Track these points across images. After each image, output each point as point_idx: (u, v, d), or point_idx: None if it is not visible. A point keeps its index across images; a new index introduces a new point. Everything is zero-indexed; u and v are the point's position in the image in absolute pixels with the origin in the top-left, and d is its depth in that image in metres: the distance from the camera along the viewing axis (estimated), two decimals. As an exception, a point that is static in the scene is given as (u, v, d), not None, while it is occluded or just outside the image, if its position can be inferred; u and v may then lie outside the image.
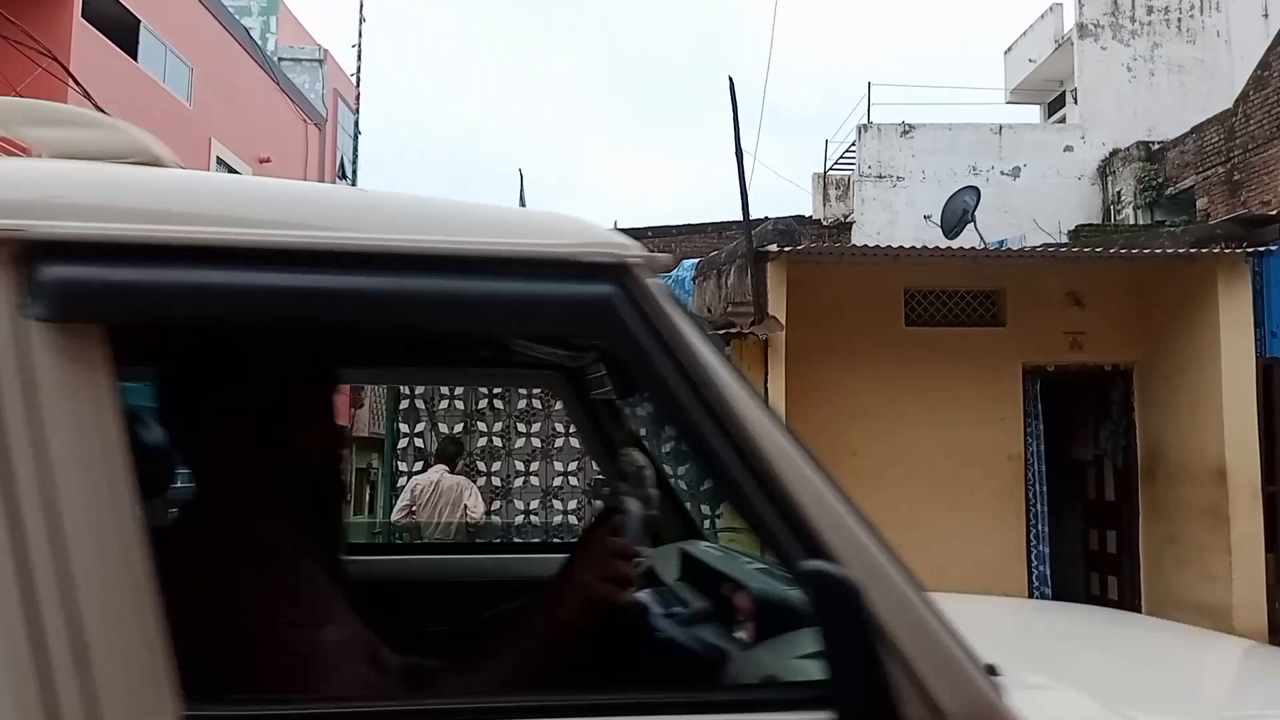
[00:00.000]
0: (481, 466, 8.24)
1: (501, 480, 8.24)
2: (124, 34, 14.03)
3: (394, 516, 7.78)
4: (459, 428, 8.26)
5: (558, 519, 8.16)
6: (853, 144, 19.20)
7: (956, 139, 18.44)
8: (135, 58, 14.49)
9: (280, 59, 21.22)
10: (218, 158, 17.00)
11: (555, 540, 8.15)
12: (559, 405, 8.29)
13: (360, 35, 24.07)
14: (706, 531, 3.18)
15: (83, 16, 13.08)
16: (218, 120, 16.93)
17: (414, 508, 7.64)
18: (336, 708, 1.21)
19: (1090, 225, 16.57)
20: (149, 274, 1.09)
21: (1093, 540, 10.06)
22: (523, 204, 17.36)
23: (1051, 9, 20.53)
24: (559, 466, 8.23)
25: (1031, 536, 9.15)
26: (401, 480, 8.14)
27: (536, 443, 8.27)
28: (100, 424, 1.08)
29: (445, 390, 8.34)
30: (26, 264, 1.07)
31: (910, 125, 18.48)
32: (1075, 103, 19.41)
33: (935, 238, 12.56)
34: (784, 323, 8.10)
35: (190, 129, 15.85)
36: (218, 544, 1.39)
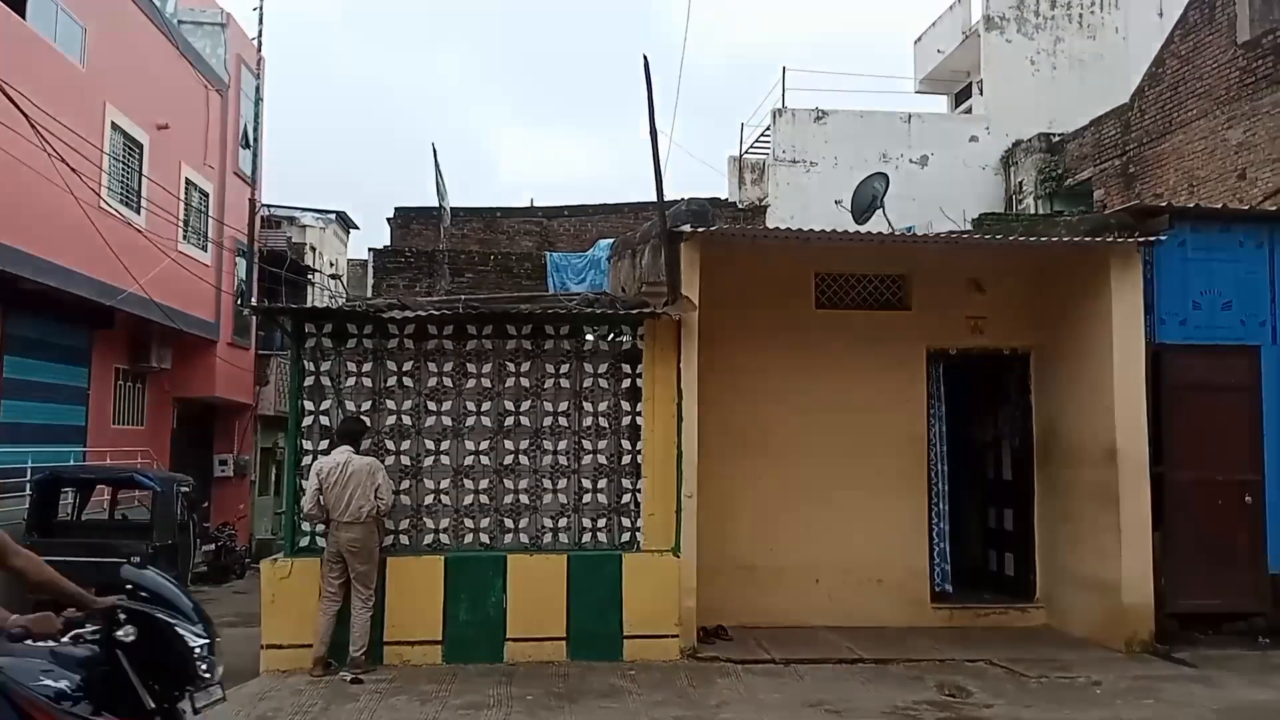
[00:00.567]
0: (390, 445, 8.06)
1: (411, 459, 8.08)
2: (9, -12, 13.22)
3: (306, 508, 7.51)
4: (367, 405, 8.06)
5: (468, 499, 8.05)
6: (768, 128, 19.35)
7: (868, 126, 18.77)
8: (24, 15, 13.66)
9: (180, 21, 20.25)
10: (113, 123, 16.17)
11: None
12: (470, 384, 8.18)
13: (264, -1, 23.22)
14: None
15: (-38, -33, 12.29)
16: (113, 84, 16.09)
17: (321, 492, 7.39)
18: None
19: (993, 214, 17.09)
20: None
21: (991, 518, 10.40)
22: (439, 178, 17.04)
23: (959, 1, 20.97)
24: (470, 445, 8.10)
25: (933, 515, 9.41)
26: (306, 459, 7.91)
27: (448, 421, 8.13)
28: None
29: (351, 367, 8.13)
30: None
31: (824, 111, 18.72)
32: (981, 94, 19.92)
33: (846, 222, 12.76)
34: (697, 303, 8.13)
35: (84, 93, 15.05)
36: None
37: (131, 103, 16.91)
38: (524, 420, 8.22)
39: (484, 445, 8.17)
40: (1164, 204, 9.83)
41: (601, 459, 8.22)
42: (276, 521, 23.21)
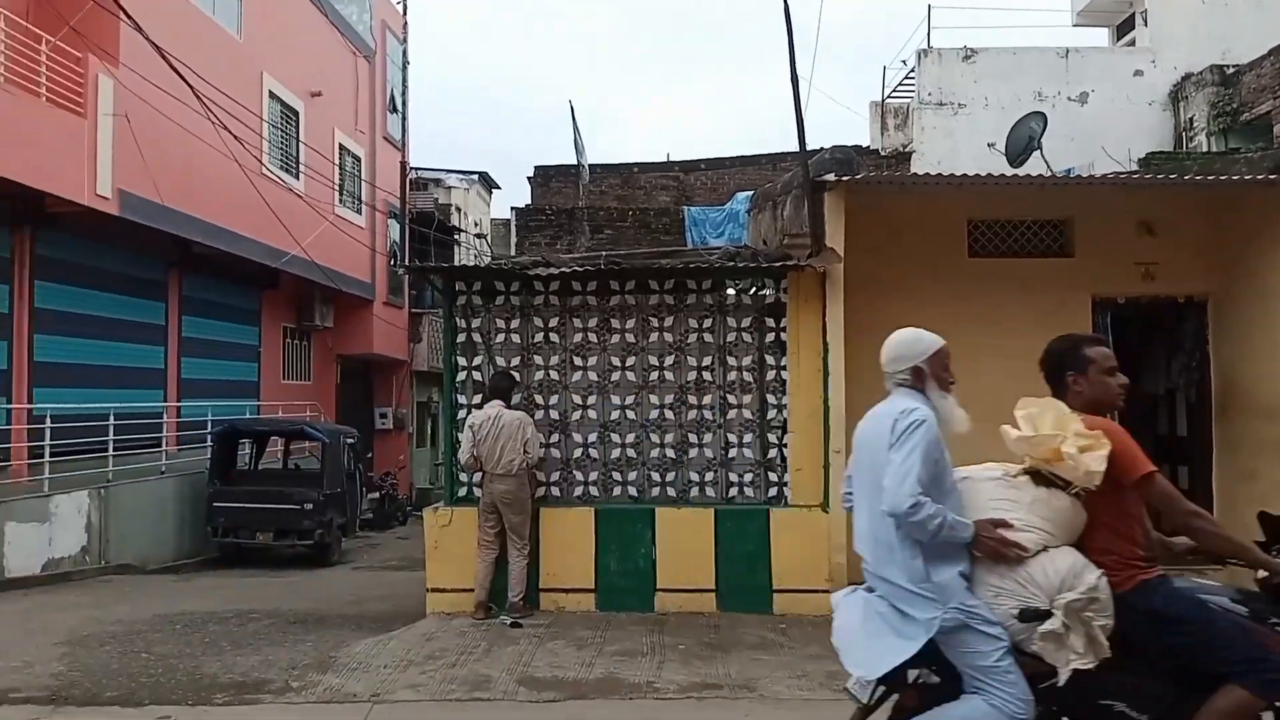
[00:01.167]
0: (539, 400, 8.27)
1: (559, 414, 8.27)
2: (174, -32, 13.97)
3: (463, 459, 7.85)
4: (516, 361, 8.28)
5: (615, 453, 8.18)
6: (912, 70, 18.61)
7: (1021, 63, 17.78)
8: (184, -9, 14.44)
9: (328, -10, 21.05)
10: (270, 91, 16.99)
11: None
12: (614, 340, 8.28)
13: (408, -36, 23.76)
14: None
15: (134, -49, 13.03)
16: (269, 54, 16.89)
17: (475, 445, 7.69)
18: None
19: (1161, 152, 15.98)
20: None
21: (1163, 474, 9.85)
22: (577, 135, 17.16)
23: (1123, -77, 19.50)
24: (616, 400, 8.22)
25: (1100, 473, 8.96)
26: (461, 413, 8.21)
27: (594, 376, 8.26)
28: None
29: (500, 323, 8.35)
30: None
31: (972, 50, 17.84)
32: (1145, 25, 18.54)
33: (998, 166, 12.17)
34: (842, 255, 7.94)
35: (241, 63, 15.85)
36: None
37: (286, 71, 17.70)
38: (668, 375, 8.27)
39: (629, 400, 8.27)
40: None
41: (747, 414, 8.20)
42: (434, 472, 24.29)
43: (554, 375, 8.33)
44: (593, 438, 8.27)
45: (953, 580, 3.23)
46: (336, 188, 19.53)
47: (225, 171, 14.37)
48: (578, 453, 8.27)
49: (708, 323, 8.28)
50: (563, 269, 8.31)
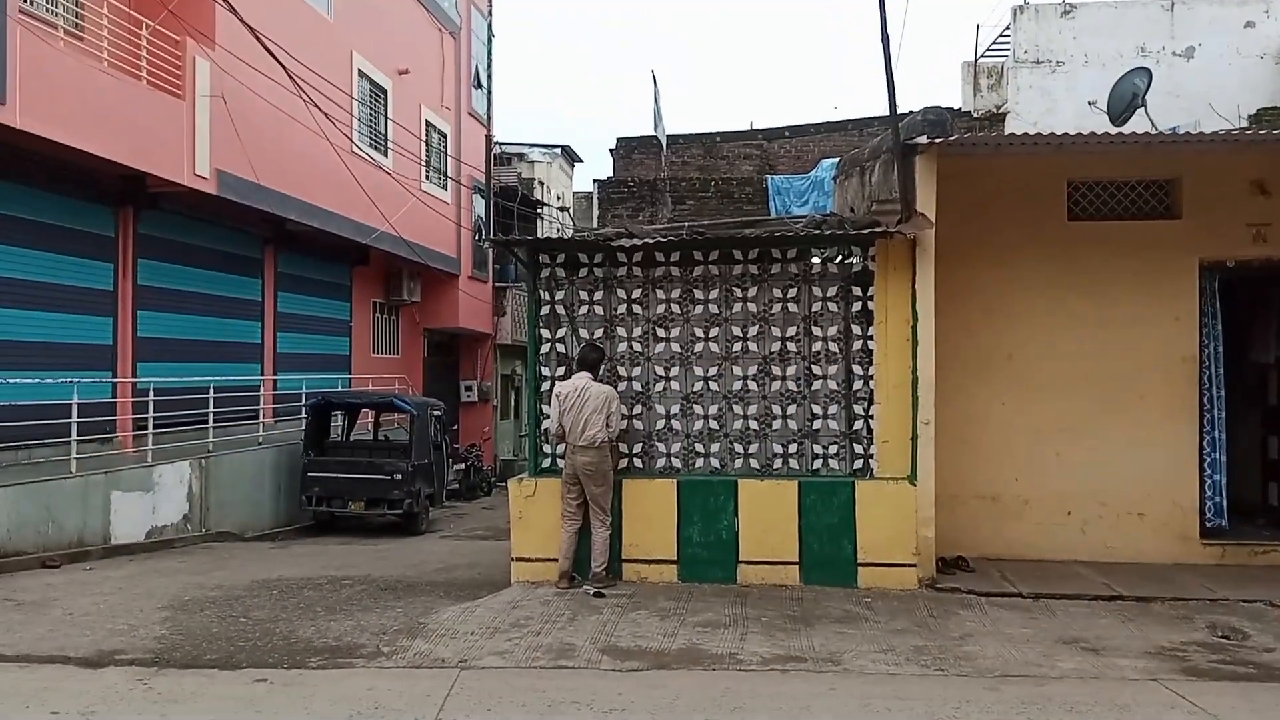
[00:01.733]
0: (622, 371, 8.24)
1: (642, 385, 8.23)
2: (264, -50, 14.24)
3: (551, 429, 7.90)
4: (599, 333, 8.26)
5: (698, 425, 8.12)
6: (1006, 28, 17.90)
7: (1123, 17, 16.92)
8: (276, -27, 14.72)
9: (413, -32, 21.23)
10: (359, 70, 17.26)
11: (697, 445, 8.11)
12: (697, 310, 8.19)
13: (490, -61, 23.80)
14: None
15: (226, -66, 13.32)
16: (357, 33, 17.14)
17: (560, 415, 7.73)
18: None
19: (1274, 108, 15.09)
20: None
21: (1272, 448, 9.37)
22: (657, 107, 17.02)
23: None
24: (699, 372, 8.14)
25: (1205, 444, 8.57)
26: (546, 385, 8.25)
27: (676, 348, 8.19)
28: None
29: (584, 295, 8.33)
30: None
31: (1071, 4, 17.04)
32: (1260, -29, 17.44)
33: (1098, 125, 11.65)
34: (933, 220, 7.68)
35: (332, 42, 16.13)
36: None
37: (374, 50, 17.95)
38: (752, 346, 8.16)
39: (712, 371, 8.18)
40: None
41: (832, 385, 8.04)
42: (518, 443, 24.63)
43: (636, 347, 8.29)
44: (675, 409, 8.21)
45: None
46: (423, 164, 19.79)
47: (317, 150, 14.67)
48: (660, 424, 8.23)
49: (792, 292, 8.12)
50: (646, 240, 8.24)
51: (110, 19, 11.57)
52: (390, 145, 18.20)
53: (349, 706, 4.92)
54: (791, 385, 8.09)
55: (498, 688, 5.26)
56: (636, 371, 8.29)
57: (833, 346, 8.05)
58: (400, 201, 17.87)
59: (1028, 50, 17.00)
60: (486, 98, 24.01)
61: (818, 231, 8.27)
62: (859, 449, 7.98)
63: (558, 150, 31.41)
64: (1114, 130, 10.72)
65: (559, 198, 30.79)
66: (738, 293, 8.19)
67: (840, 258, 8.10)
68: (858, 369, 8.00)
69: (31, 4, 10.86)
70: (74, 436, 10.69)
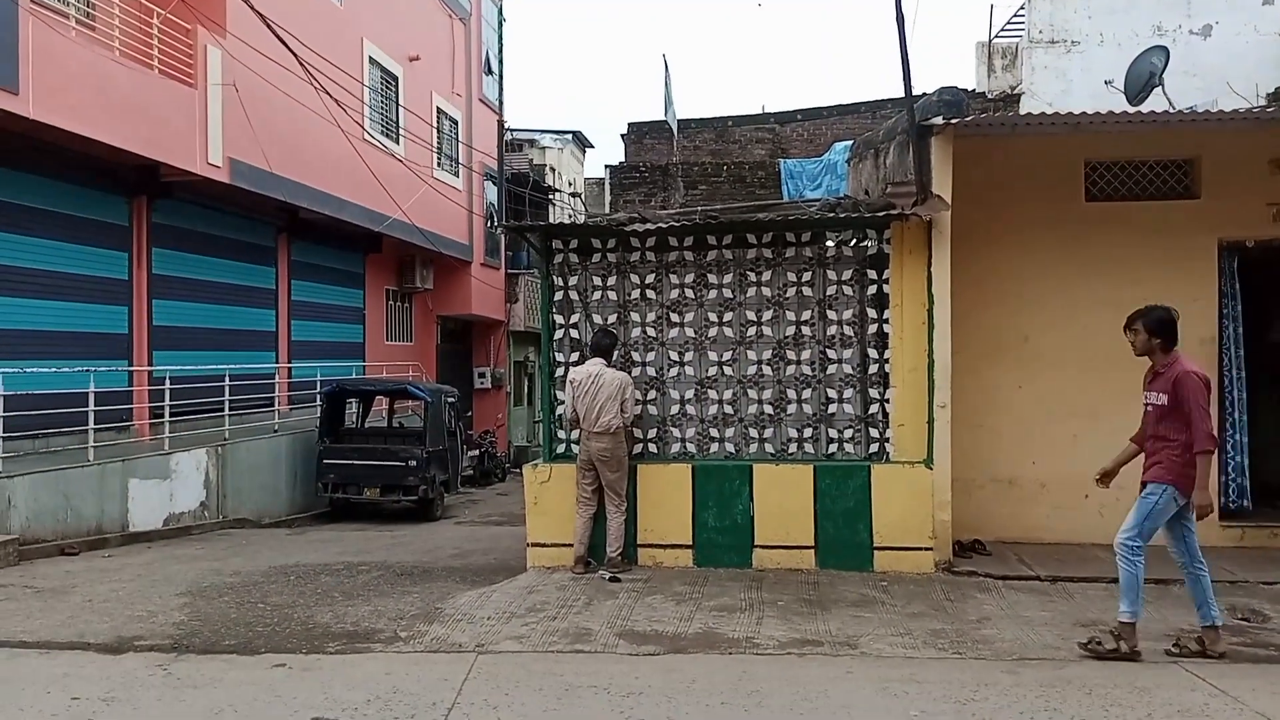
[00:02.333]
0: (635, 357, 8.23)
1: (656, 371, 8.22)
2: (274, -63, 14.20)
3: (566, 415, 7.90)
4: (613, 319, 8.24)
5: (712, 410, 8.09)
6: (1021, 8, 17.72)
7: (1140, -5, 16.72)
8: (286, -39, 14.69)
9: (423, -46, 21.15)
10: (370, 57, 17.24)
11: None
12: (711, 295, 8.15)
13: (499, -76, 23.67)
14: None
15: (235, -79, 13.29)
16: (368, 20, 17.12)
17: (574, 401, 7.72)
18: None
19: (1292, 87, 14.89)
20: None
21: (1293, 430, 9.28)
22: (668, 91, 16.93)
23: None
24: (713, 356, 8.12)
25: (1227, 425, 8.49)
26: (559, 371, 8.24)
27: (690, 333, 8.17)
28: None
29: (597, 281, 8.31)
30: None
31: (1087, -18, 16.85)
32: (1281, -55, 17.17)
33: (1115, 105, 11.50)
34: (949, 202, 7.62)
35: (342, 29, 16.11)
36: None
37: (385, 37, 17.91)
38: (766, 330, 8.12)
39: (727, 356, 8.15)
40: None
41: (847, 369, 8.00)
42: (532, 430, 24.67)
43: (650, 332, 8.27)
44: (689, 394, 8.19)
45: None
46: (435, 151, 19.77)
47: (329, 138, 14.67)
48: (674, 409, 8.21)
49: (807, 276, 8.08)
50: (659, 224, 8.21)
51: (121, 7, 11.57)
52: (402, 132, 18.19)
53: (367, 691, 4.95)
54: (806, 369, 8.06)
55: (515, 672, 5.27)
56: (650, 357, 8.27)
57: (848, 330, 8.01)
58: (412, 189, 17.87)
59: (1043, 30, 16.81)
60: (497, 84, 23.95)
61: (832, 215, 8.22)
62: (874, 433, 7.95)
63: (569, 136, 31.33)
64: (1131, 110, 10.59)
65: (570, 184, 30.73)
66: (752, 277, 8.15)
67: (855, 241, 8.04)
68: (873, 353, 7.96)
69: (43, -7, 10.87)
70: (91, 425, 10.76)
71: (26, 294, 10.95)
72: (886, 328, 7.93)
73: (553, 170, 29.43)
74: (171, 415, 12.30)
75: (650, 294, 8.27)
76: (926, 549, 7.58)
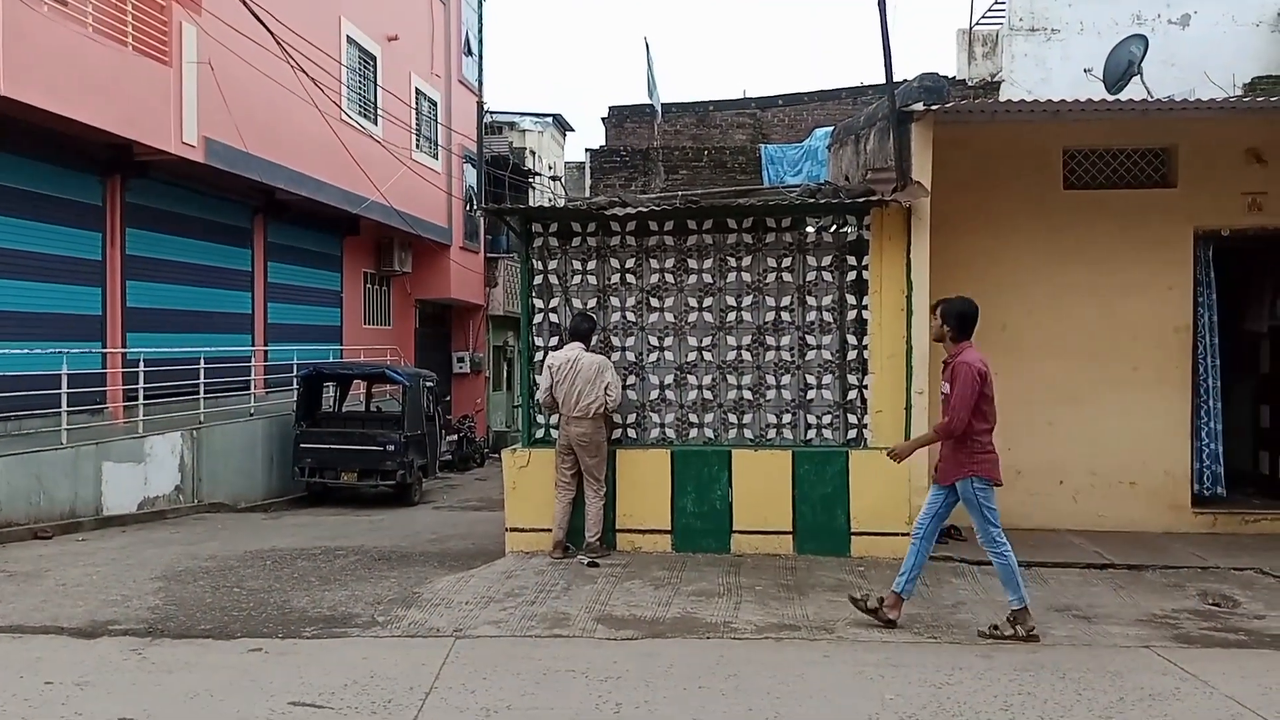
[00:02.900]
0: (615, 342, 8.21)
1: (635, 356, 8.20)
2: (250, -87, 13.97)
3: (541, 398, 7.87)
4: (592, 303, 8.21)
5: (692, 395, 8.10)
6: (1002, -5, 17.74)
7: (1119, -15, 16.78)
8: (261, -64, 14.47)
9: (402, -68, 20.90)
10: (348, 36, 17.04)
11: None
12: (690, 280, 8.14)
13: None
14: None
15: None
16: (345, -2, 16.92)
17: (552, 385, 7.70)
18: None
19: (1270, 77, 15.03)
20: None
21: (1264, 416, 9.42)
22: (650, 75, 16.86)
23: None
24: (693, 342, 8.11)
25: (1201, 412, 8.60)
26: (538, 356, 8.21)
27: (670, 318, 8.16)
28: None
29: (577, 265, 8.28)
30: None
31: (1067, -29, 16.89)
32: (1258, -64, 17.28)
33: (1094, 94, 11.56)
34: (929, 188, 7.64)
35: (320, 7, 15.90)
36: None
37: (363, 15, 17.71)
38: (745, 316, 8.12)
39: (706, 341, 8.15)
40: None
41: (826, 355, 8.02)
42: (511, 414, 24.62)
43: (630, 317, 8.25)
44: (669, 379, 8.19)
45: None
46: (414, 133, 19.60)
47: (306, 118, 14.50)
48: (654, 394, 8.21)
49: (787, 262, 8.08)
50: (639, 209, 8.18)
51: (94, -17, 11.37)
52: (380, 113, 18.02)
53: (344, 675, 4.93)
54: (785, 355, 8.07)
55: (493, 656, 5.27)
56: (630, 342, 8.25)
57: (827, 316, 8.02)
58: (391, 170, 17.72)
59: (1023, 18, 16.86)
60: (477, 65, 23.75)
61: (812, 200, 8.21)
62: (853, 419, 7.98)
63: (549, 119, 31.15)
64: (1110, 98, 10.65)
65: (550, 167, 30.58)
66: (732, 262, 8.15)
67: (835, 227, 8.05)
68: (852, 339, 7.98)
69: (13, -32, 10.65)
70: (64, 407, 10.64)
71: (-3, 274, 10.79)
72: (866, 314, 7.96)
73: (533, 153, 29.27)
74: (146, 398, 12.17)
75: (630, 279, 8.25)
76: (903, 534, 7.59)
